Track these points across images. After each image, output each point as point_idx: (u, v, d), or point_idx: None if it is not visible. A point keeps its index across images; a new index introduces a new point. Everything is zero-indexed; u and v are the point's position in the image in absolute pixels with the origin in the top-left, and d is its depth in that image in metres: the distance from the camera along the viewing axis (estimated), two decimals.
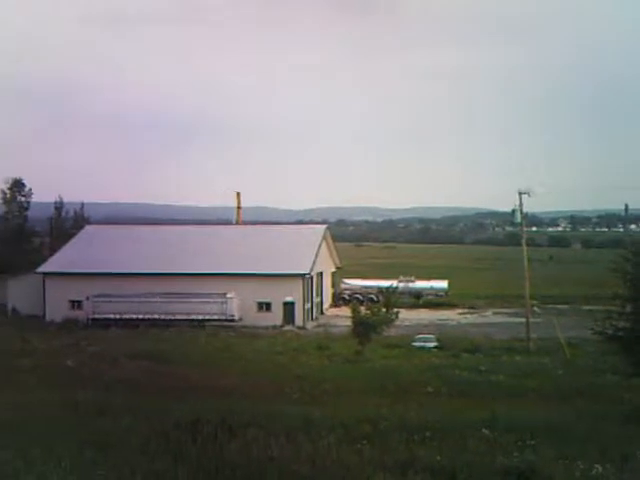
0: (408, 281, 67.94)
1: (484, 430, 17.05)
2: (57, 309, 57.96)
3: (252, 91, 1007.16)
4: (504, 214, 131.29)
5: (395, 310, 43.59)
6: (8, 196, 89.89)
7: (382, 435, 16.93)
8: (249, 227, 78.44)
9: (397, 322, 44.22)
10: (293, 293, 56.07)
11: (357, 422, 18.47)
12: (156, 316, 54.36)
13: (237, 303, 54.88)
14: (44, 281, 59.58)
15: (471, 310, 65.27)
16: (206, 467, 12.39)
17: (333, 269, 71.94)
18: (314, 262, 58.29)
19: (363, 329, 41.63)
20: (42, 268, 61.21)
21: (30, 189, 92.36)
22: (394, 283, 53.30)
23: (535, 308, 53.91)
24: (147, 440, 13.94)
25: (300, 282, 56.37)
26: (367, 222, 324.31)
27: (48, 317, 57.96)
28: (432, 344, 44.03)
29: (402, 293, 57.83)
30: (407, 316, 52.89)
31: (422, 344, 43.90)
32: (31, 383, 24.71)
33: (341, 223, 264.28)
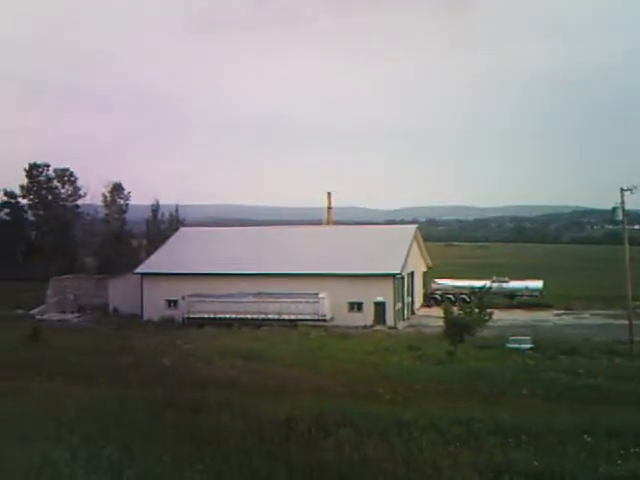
0: (501, 281, 66.40)
1: (584, 436, 16.44)
2: (154, 308, 59.81)
3: (342, 93, 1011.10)
4: (604, 212, 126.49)
5: (488, 310, 42.72)
6: (108, 199, 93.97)
7: (476, 437, 16.63)
8: (340, 227, 78.65)
9: (490, 323, 43.30)
10: (384, 293, 55.82)
11: (450, 424, 18.20)
12: (249, 316, 55.24)
13: (328, 303, 55.13)
14: (142, 281, 61.55)
15: (567, 311, 63.13)
16: (300, 465, 12.49)
17: (424, 269, 71.20)
18: (405, 262, 57.85)
19: (455, 330, 40.98)
20: (140, 269, 63.29)
21: (129, 192, 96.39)
22: (487, 283, 52.24)
23: (639, 310, 51.67)
24: (243, 437, 14.19)
25: (391, 282, 56.06)
26: (458, 221, 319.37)
27: (146, 316, 59.87)
28: (527, 345, 42.85)
29: (495, 293, 56.59)
30: (501, 317, 51.73)
31: (516, 345, 42.79)
32: (131, 380, 25.56)
33: (432, 223, 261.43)
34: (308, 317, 54.43)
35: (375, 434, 16.71)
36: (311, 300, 54.94)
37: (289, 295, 55.41)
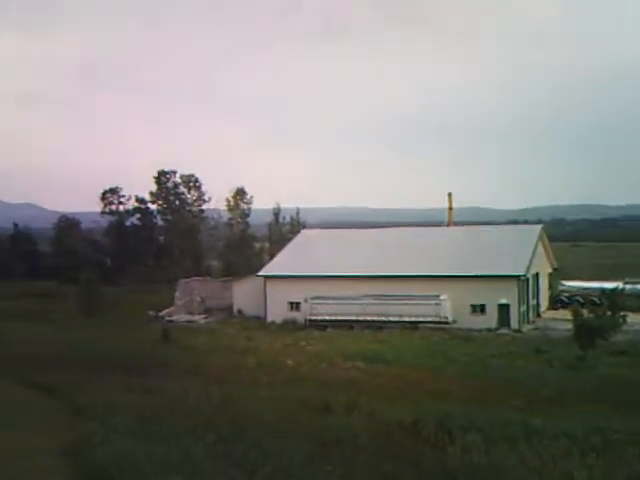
0: (635, 282, 63.00)
1: None
2: (277, 310, 60.98)
3: (465, 93, 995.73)
4: None
5: (622, 313, 40.65)
6: (232, 204, 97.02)
7: (614, 448, 15.79)
8: (461, 228, 77.30)
9: (624, 327, 41.18)
10: (508, 295, 54.37)
11: (584, 433, 17.41)
12: (370, 318, 55.31)
13: (450, 305, 54.32)
14: (265, 284, 62.90)
15: None
16: (428, 470, 12.34)
17: (549, 270, 68.76)
18: (529, 263, 56.12)
19: (586, 333, 39.25)
20: (263, 271, 64.78)
21: (251, 197, 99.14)
22: (619, 284, 49.70)
23: None
24: (370, 439, 14.20)
25: (515, 284, 54.55)
26: (586, 221, 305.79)
27: (269, 318, 61.14)
28: None
29: (628, 295, 53.70)
30: (636, 320, 49.12)
31: None
32: (259, 380, 26.24)
33: (557, 222, 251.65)
34: (429, 319, 53.86)
35: (503, 441, 16.22)
36: (433, 302, 54.34)
37: (410, 297, 55.05)
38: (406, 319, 54.11)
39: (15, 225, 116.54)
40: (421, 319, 53.92)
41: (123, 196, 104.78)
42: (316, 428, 14.78)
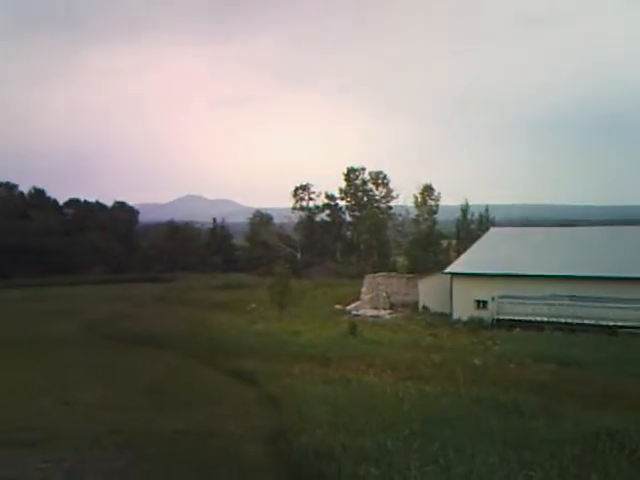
0: None
1: None
2: (463, 308, 59.97)
3: None
4: None
5: None
6: (419, 200, 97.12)
7: None
8: None
9: None
10: None
11: None
12: (562, 319, 52.87)
13: None
14: (451, 281, 62.13)
15: None
16: None
17: None
18: None
19: None
20: (449, 269, 63.99)
21: (439, 193, 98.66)
22: None
23: None
24: (565, 445, 13.61)
25: None
26: None
27: (455, 315, 60.31)
28: None
29: None
30: None
31: None
32: (448, 377, 25.98)
33: None
34: (630, 324, 50.37)
35: None
36: (634, 306, 50.79)
37: (608, 300, 51.83)
38: (603, 323, 51.01)
39: (214, 220, 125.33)
40: (620, 323, 50.57)
41: (313, 192, 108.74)
42: (508, 430, 14.40)
